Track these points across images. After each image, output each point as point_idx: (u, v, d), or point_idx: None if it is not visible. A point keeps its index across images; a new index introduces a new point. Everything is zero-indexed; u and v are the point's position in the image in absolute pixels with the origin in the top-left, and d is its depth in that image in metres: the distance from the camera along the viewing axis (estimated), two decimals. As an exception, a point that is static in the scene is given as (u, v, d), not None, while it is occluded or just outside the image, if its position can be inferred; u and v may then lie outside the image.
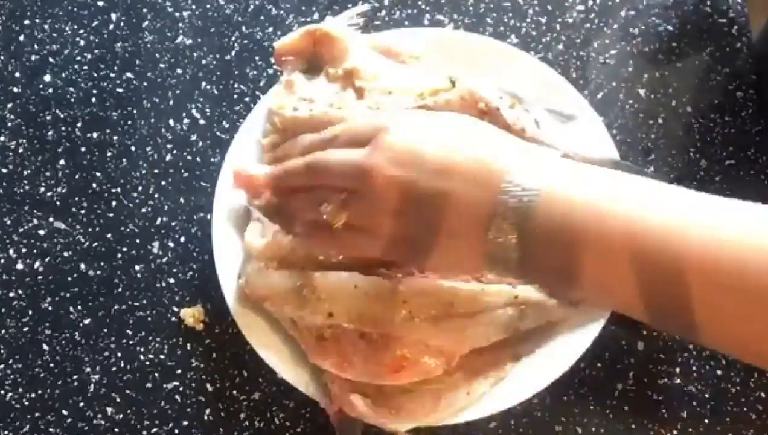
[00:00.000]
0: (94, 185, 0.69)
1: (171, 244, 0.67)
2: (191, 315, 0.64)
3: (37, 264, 0.67)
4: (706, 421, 0.60)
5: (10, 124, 0.72)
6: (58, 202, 0.69)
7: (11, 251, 0.68)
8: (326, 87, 0.63)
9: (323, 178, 0.52)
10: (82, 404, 0.63)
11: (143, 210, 0.68)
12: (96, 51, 0.74)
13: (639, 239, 0.43)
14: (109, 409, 0.63)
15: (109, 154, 0.70)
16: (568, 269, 0.45)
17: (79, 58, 0.74)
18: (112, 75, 0.73)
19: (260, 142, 0.64)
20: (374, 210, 0.49)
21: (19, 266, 0.67)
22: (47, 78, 0.73)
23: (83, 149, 0.71)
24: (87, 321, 0.65)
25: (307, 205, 0.53)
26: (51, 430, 0.63)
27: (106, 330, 0.65)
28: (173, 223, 0.68)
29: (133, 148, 0.70)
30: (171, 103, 0.72)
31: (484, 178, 0.46)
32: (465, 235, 0.48)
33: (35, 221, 0.68)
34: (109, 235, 0.68)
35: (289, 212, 0.55)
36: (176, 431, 0.62)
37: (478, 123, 0.51)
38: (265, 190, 0.58)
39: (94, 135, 0.71)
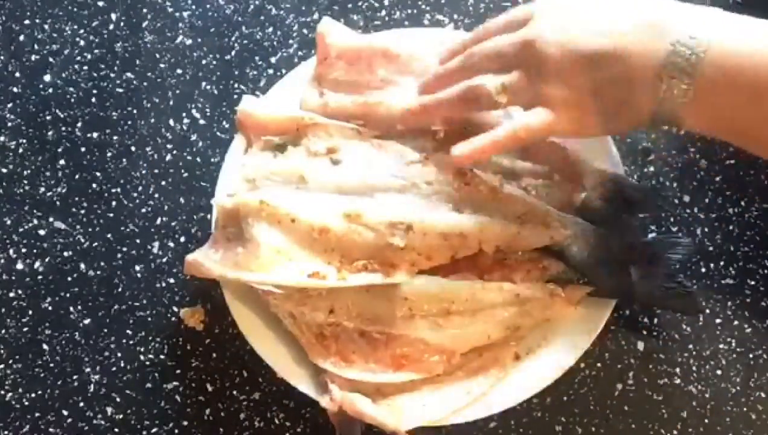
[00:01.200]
0: (94, 185, 0.69)
1: (171, 244, 0.67)
2: (191, 315, 0.64)
3: (37, 264, 0.67)
4: (706, 421, 0.60)
5: (10, 124, 0.72)
6: (58, 202, 0.69)
7: (11, 251, 0.68)
8: (304, 159, 0.62)
9: (483, 64, 0.54)
10: (82, 404, 0.63)
11: (143, 210, 0.68)
12: (96, 51, 0.74)
13: None
14: (109, 409, 0.63)
15: (109, 154, 0.70)
16: (736, 117, 0.49)
17: (79, 58, 0.74)
18: (112, 75, 0.73)
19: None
20: (541, 77, 0.51)
21: (19, 266, 0.67)
22: (47, 78, 0.73)
23: (83, 149, 0.71)
24: (87, 321, 0.65)
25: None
26: (51, 430, 0.63)
27: (106, 330, 0.65)
28: (173, 223, 0.68)
29: (133, 148, 0.70)
30: (171, 103, 0.72)
31: (652, 33, 0.49)
32: (632, 90, 0.49)
33: (35, 221, 0.68)
34: (109, 235, 0.68)
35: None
36: (176, 431, 0.62)
37: None
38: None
39: (94, 135, 0.71)
